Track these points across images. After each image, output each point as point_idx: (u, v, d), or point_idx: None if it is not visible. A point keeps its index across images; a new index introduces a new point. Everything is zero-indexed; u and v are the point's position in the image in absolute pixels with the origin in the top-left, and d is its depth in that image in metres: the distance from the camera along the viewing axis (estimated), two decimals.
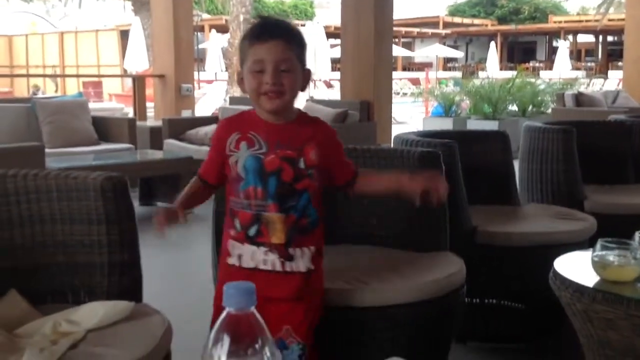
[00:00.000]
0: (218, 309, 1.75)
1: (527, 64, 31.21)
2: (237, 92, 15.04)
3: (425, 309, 2.15)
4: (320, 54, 13.03)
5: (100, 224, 1.93)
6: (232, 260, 1.81)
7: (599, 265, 1.91)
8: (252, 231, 1.77)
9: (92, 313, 1.76)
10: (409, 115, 15.09)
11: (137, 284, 1.97)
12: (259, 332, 0.85)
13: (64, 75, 24.83)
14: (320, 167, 1.80)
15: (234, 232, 1.80)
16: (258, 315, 0.85)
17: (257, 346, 0.85)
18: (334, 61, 16.23)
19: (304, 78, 1.80)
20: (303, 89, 1.81)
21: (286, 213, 1.77)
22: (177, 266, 3.17)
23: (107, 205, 1.93)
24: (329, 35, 17.97)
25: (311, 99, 6.99)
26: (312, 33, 12.74)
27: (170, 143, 6.70)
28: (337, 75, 12.62)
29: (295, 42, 1.76)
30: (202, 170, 1.89)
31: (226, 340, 0.84)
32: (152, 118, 8.42)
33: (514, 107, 10.23)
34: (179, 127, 6.84)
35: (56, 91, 20.67)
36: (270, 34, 1.73)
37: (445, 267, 2.27)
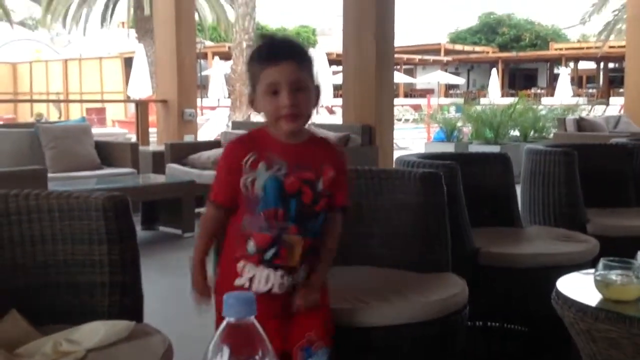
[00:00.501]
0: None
1: (528, 90, 31.35)
2: (239, 117, 15.11)
3: (427, 330, 2.14)
4: (322, 80, 13.14)
5: (102, 244, 1.93)
6: (241, 282, 1.76)
7: (602, 285, 1.90)
8: (270, 254, 1.74)
9: (92, 333, 1.75)
10: (411, 140, 15.13)
11: (138, 304, 1.96)
12: (259, 342, 0.85)
13: (67, 101, 24.95)
14: (333, 189, 1.80)
15: (245, 253, 1.76)
16: (258, 326, 0.85)
17: (257, 357, 0.85)
18: (336, 88, 16.34)
19: (316, 94, 1.79)
20: (316, 105, 1.80)
21: (304, 235, 1.76)
22: (178, 290, 3.17)
23: (109, 225, 1.93)
24: (331, 62, 18.12)
25: (313, 124, 7.02)
26: (315, 60, 12.82)
27: (172, 167, 6.72)
28: (339, 101, 12.70)
29: (306, 60, 1.76)
30: (215, 196, 1.81)
31: (226, 351, 0.84)
32: (155, 143, 8.45)
33: (515, 133, 10.25)
34: (182, 152, 6.86)
35: (60, 118, 20.76)
36: (282, 55, 1.71)
37: (448, 288, 2.26)
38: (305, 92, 1.72)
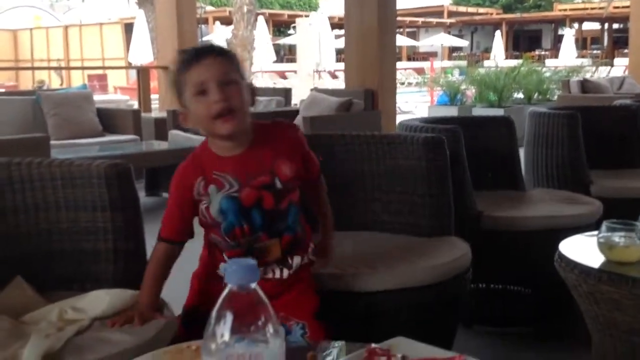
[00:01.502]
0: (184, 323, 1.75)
1: (532, 52, 31.07)
2: None
3: (431, 293, 2.15)
4: (324, 44, 13.02)
5: (105, 211, 1.93)
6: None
7: (605, 246, 1.90)
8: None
9: (97, 301, 1.76)
10: (414, 104, 15.06)
11: (142, 271, 1.96)
12: (261, 308, 0.85)
13: (68, 68, 24.84)
14: (295, 176, 1.73)
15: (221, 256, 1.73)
16: (261, 292, 0.85)
17: (260, 323, 0.85)
18: (339, 52, 16.18)
19: (250, 90, 1.68)
20: (252, 103, 1.70)
21: (279, 235, 1.73)
22: (181, 257, 3.18)
23: (111, 193, 1.93)
24: (334, 26, 17.92)
25: (315, 89, 6.98)
26: (317, 24, 12.72)
27: (174, 134, 6.71)
28: (341, 66, 12.59)
29: (229, 56, 1.67)
30: (164, 232, 1.73)
31: (229, 317, 0.84)
32: (157, 109, 8.42)
33: (519, 95, 10.19)
34: None
35: (61, 85, 20.69)
36: (203, 52, 1.64)
37: (451, 252, 2.27)
38: (236, 85, 1.62)
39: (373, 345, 1.29)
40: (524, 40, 39.21)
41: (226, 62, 1.64)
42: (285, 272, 1.77)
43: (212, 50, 1.65)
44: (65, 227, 1.95)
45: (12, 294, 1.83)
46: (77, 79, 20.84)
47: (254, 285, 0.85)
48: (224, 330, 0.84)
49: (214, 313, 0.85)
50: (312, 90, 6.91)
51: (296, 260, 1.78)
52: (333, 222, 1.93)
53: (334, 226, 1.93)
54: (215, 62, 1.62)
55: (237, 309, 0.85)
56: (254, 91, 1.72)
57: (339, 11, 9.40)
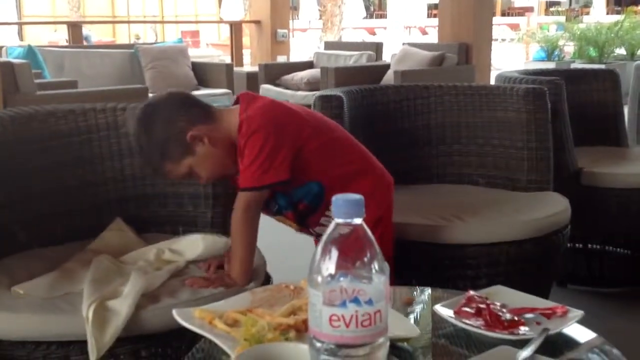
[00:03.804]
0: None
1: (636, 6, 29.34)
2: (330, 37, 14.96)
3: (526, 248, 2.10)
4: None
5: None
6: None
7: None
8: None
9: (193, 245, 1.81)
10: (509, 60, 14.57)
11: None
12: (367, 244, 0.85)
13: (163, 22, 25.35)
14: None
15: None
16: (366, 228, 0.85)
17: (365, 259, 0.85)
18: (430, 7, 15.83)
19: (192, 138, 1.59)
20: (209, 139, 1.60)
21: (280, 213, 1.76)
22: None
23: None
24: None
25: (407, 43, 6.85)
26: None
27: (266, 88, 6.78)
28: (431, 22, 12.29)
29: (154, 157, 1.64)
30: (274, 176, 1.61)
31: (334, 252, 0.85)
32: (249, 64, 8.51)
33: (621, 51, 9.69)
34: (275, 72, 6.90)
35: (156, 40, 21.19)
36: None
37: (549, 207, 2.21)
38: (192, 169, 1.63)
39: (471, 292, 1.28)
40: None
41: (162, 168, 1.65)
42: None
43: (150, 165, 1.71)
44: None
45: (113, 235, 1.91)
46: (171, 35, 21.27)
47: (359, 220, 0.85)
48: (329, 265, 0.85)
49: (319, 247, 0.86)
50: (404, 44, 6.79)
51: (318, 228, 1.77)
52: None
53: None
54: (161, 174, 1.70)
55: (342, 244, 0.85)
56: (194, 135, 1.60)
57: None
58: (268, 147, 1.58)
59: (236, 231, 1.61)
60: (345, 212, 0.85)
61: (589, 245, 2.86)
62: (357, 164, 1.78)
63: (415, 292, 1.38)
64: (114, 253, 1.80)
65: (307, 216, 1.75)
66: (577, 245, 2.82)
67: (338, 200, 0.85)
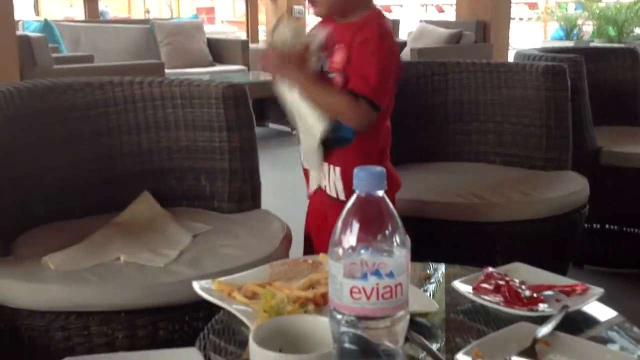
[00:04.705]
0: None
1: None
2: None
3: (544, 227, 2.10)
4: None
5: (222, 131, 1.98)
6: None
7: None
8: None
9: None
10: (526, 39, 14.42)
11: (257, 190, 2.02)
12: (388, 217, 0.85)
13: None
14: (340, 70, 1.60)
15: None
16: (388, 201, 0.85)
17: (387, 232, 0.84)
18: None
19: None
20: None
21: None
22: (290, 183, 3.23)
23: (228, 113, 1.97)
24: None
25: (425, 21, 6.78)
26: None
27: None
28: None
29: None
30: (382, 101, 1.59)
31: (355, 225, 0.84)
32: (264, 41, 8.48)
33: None
34: None
35: (171, 16, 21.14)
36: None
37: (568, 185, 2.19)
38: None
39: (490, 268, 1.27)
40: None
41: None
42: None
43: None
44: (184, 146, 2.02)
45: (141, 208, 1.92)
46: (186, 11, 21.21)
47: (381, 192, 0.84)
48: (349, 237, 0.84)
49: (340, 219, 0.85)
50: (420, 21, 6.73)
51: (324, 168, 1.67)
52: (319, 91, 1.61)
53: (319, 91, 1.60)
54: None
55: (363, 216, 0.84)
56: None
57: None
58: (386, 65, 1.57)
59: (337, 103, 1.56)
60: (367, 183, 0.84)
61: (607, 226, 2.84)
62: (386, 145, 1.73)
63: (429, 269, 1.37)
64: (142, 226, 1.81)
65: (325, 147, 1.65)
66: (594, 225, 2.80)
67: (360, 172, 0.84)
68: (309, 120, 1.61)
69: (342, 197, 1.63)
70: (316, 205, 1.75)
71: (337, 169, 1.64)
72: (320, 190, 1.71)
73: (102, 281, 1.49)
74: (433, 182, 2.20)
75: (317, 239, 1.73)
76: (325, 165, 1.66)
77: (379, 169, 0.84)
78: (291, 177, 2.45)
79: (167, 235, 1.76)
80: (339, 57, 1.60)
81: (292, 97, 1.62)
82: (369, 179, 0.84)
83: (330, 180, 1.66)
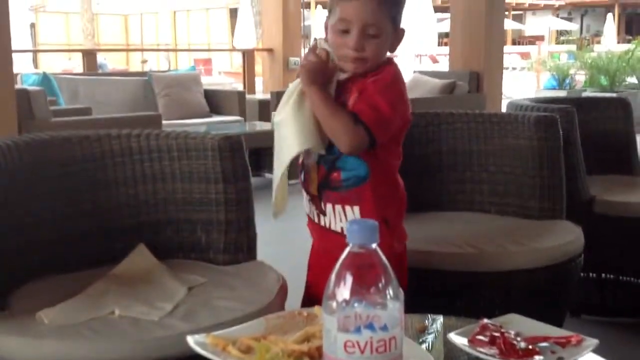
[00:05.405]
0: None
1: None
2: None
3: (539, 277, 2.10)
4: (426, 28, 12.77)
5: (218, 183, 1.99)
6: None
7: None
8: (302, 176, 1.72)
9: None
10: (519, 89, 14.60)
11: (252, 241, 2.02)
12: (381, 270, 0.86)
13: (176, 50, 25.68)
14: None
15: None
16: (381, 253, 0.86)
17: (380, 285, 0.85)
18: (440, 36, 15.91)
19: (396, 38, 1.64)
20: (392, 50, 1.66)
21: (319, 163, 1.66)
22: (286, 233, 3.23)
23: (224, 165, 1.99)
24: (437, 9, 17.59)
25: (418, 71, 6.89)
26: (419, 6, 12.50)
27: None
28: (442, 50, 12.37)
29: (389, 1, 1.60)
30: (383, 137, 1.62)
31: (349, 278, 0.85)
32: (261, 92, 8.58)
33: (632, 80, 9.71)
34: None
35: (169, 68, 21.44)
36: None
37: (562, 235, 2.20)
38: (377, 39, 1.58)
39: (485, 320, 1.27)
40: (637, 24, 37.15)
41: (381, 8, 1.58)
42: (316, 216, 1.72)
43: None
44: (180, 198, 2.02)
45: (137, 261, 1.92)
46: (184, 63, 21.51)
47: (374, 245, 0.85)
48: (343, 290, 0.85)
49: (334, 272, 0.86)
50: (414, 72, 6.83)
51: (329, 209, 1.67)
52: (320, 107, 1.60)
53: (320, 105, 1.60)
54: (368, 6, 1.57)
55: (356, 269, 0.85)
56: (401, 37, 1.66)
57: None
58: (394, 105, 1.62)
59: (337, 117, 1.57)
60: (360, 236, 0.85)
61: (603, 275, 2.84)
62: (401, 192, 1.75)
63: (427, 320, 1.37)
64: (137, 278, 1.81)
65: (326, 187, 1.67)
66: (590, 274, 2.80)
67: (353, 225, 0.85)
68: (288, 140, 1.61)
69: None
70: (330, 250, 1.73)
71: (356, 208, 1.63)
72: (332, 234, 1.68)
73: (96, 336, 1.48)
74: (428, 231, 2.21)
75: None
76: (339, 207, 1.66)
77: (371, 222, 0.86)
78: (287, 227, 2.46)
79: (162, 287, 1.75)
80: (352, 100, 1.61)
81: (285, 114, 1.62)
82: (362, 232, 0.85)
83: (329, 215, 1.67)
